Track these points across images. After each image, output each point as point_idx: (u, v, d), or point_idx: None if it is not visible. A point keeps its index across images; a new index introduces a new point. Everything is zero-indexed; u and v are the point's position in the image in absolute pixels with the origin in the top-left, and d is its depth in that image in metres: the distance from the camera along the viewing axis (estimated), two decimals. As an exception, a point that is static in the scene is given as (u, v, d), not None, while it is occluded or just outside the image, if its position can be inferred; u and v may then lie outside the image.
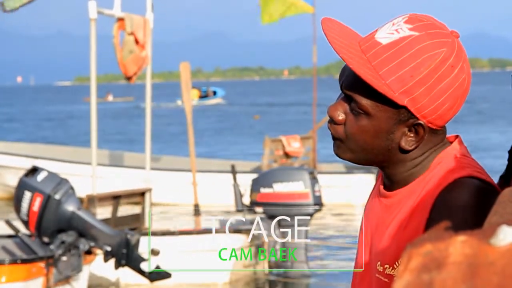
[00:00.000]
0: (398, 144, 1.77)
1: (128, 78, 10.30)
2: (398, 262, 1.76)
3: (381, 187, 1.86)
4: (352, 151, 1.80)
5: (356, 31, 1.82)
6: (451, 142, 1.82)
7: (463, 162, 1.76)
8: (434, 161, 1.78)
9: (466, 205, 1.68)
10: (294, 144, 16.85)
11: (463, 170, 1.74)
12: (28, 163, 13.70)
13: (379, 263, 1.80)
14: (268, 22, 15.97)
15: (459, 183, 1.72)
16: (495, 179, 1.82)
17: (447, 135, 1.84)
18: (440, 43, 1.73)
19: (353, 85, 1.77)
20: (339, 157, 1.83)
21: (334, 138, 1.82)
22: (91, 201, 9.20)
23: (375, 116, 1.75)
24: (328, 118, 1.82)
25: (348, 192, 16.34)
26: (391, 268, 1.77)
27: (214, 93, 74.24)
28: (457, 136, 1.84)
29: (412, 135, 1.76)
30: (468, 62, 1.79)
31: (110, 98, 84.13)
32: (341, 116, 1.80)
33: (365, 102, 1.75)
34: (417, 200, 1.76)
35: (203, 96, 72.16)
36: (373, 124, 1.76)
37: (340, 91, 1.83)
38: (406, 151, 1.78)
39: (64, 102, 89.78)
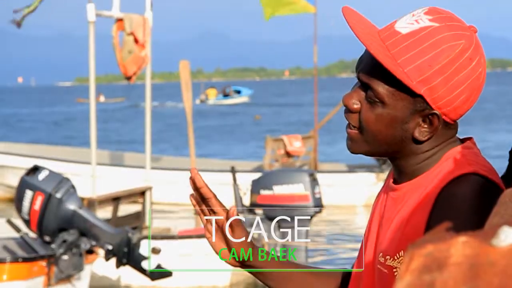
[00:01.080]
0: (412, 134, 1.78)
1: (128, 78, 10.31)
2: (399, 254, 1.77)
3: (391, 181, 1.86)
4: (367, 142, 1.80)
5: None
6: (464, 143, 1.83)
7: (470, 160, 1.76)
8: (443, 157, 1.78)
9: (468, 201, 1.69)
10: (295, 144, 16.88)
11: (468, 167, 1.74)
12: (29, 163, 13.68)
13: (381, 254, 1.81)
14: (270, 16, 16.07)
15: (463, 179, 1.72)
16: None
17: (460, 138, 1.85)
18: (459, 35, 1.75)
19: (370, 72, 1.77)
20: (352, 152, 1.84)
21: (350, 128, 1.82)
22: (91, 205, 9.21)
23: (391, 104, 1.76)
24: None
25: (350, 191, 16.33)
26: (391, 259, 1.78)
27: (238, 92, 75.88)
28: (470, 138, 1.84)
29: (426, 126, 1.77)
30: (485, 58, 1.79)
31: (102, 99, 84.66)
32: (356, 105, 1.80)
33: (381, 90, 1.76)
34: (422, 195, 1.76)
35: (226, 95, 73.96)
36: (388, 113, 1.76)
37: (355, 82, 1.84)
38: (419, 142, 1.78)
39: (57, 103, 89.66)
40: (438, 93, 1.74)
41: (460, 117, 1.80)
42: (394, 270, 1.77)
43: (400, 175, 1.83)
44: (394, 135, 1.78)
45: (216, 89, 74.07)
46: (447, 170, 1.75)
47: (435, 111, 1.75)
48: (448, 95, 1.74)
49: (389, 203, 1.84)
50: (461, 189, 1.70)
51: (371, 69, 1.77)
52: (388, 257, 1.79)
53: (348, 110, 1.81)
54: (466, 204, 1.68)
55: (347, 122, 1.83)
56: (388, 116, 1.77)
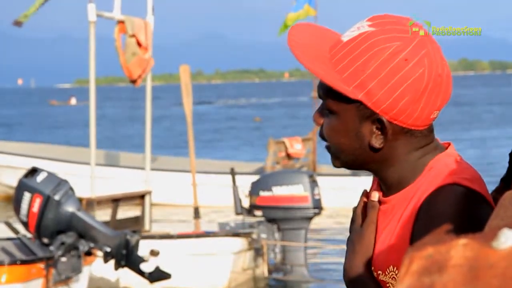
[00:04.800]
0: (369, 142, 1.76)
1: (133, 81, 10.26)
2: (389, 269, 1.75)
3: (381, 193, 1.84)
4: (335, 155, 1.80)
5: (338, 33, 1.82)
6: (446, 149, 1.81)
7: (452, 169, 1.74)
8: (427, 166, 1.76)
9: (447, 211, 1.67)
10: (296, 146, 17.00)
11: (448, 177, 1.72)
12: (27, 163, 13.67)
13: (372, 268, 1.79)
14: (282, 33, 16.50)
15: (441, 190, 1.70)
16: (495, 182, 1.81)
17: (442, 142, 1.82)
18: (394, 37, 1.72)
19: (321, 86, 1.78)
20: (335, 167, 1.83)
21: (326, 146, 1.82)
22: (90, 205, 9.20)
23: (341, 114, 1.75)
24: None
25: (349, 194, 16.32)
26: (383, 274, 1.77)
27: None
28: (449, 143, 1.82)
29: (379, 132, 1.75)
30: (437, 59, 1.73)
31: (73, 101, 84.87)
32: (321, 120, 1.81)
33: (329, 101, 1.76)
34: (407, 207, 1.75)
35: None
36: (341, 123, 1.76)
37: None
38: (376, 149, 1.76)
39: (29, 104, 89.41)
40: (376, 96, 1.71)
41: (426, 122, 1.75)
42: (388, 285, 1.76)
43: (386, 187, 1.81)
44: (352, 145, 1.76)
45: None
46: (429, 181, 1.73)
47: (380, 117, 1.72)
48: (388, 98, 1.71)
49: (379, 216, 1.82)
50: (440, 200, 1.69)
51: (321, 83, 1.78)
52: (380, 272, 1.78)
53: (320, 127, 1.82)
54: (445, 214, 1.67)
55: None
56: (342, 126, 1.76)
